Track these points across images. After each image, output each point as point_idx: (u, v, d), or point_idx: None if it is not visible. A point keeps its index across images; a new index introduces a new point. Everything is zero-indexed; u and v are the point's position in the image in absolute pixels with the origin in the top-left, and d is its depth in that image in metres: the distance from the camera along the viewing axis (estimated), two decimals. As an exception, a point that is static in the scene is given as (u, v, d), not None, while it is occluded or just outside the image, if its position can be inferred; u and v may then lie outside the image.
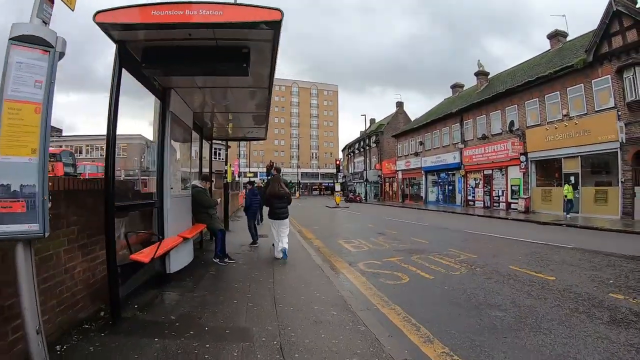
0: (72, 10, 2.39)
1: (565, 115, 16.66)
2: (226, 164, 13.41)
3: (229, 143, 13.32)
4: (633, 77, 13.49)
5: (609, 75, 14.54)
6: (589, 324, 3.53)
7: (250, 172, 50.33)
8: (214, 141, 9.76)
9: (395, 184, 37.59)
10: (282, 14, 2.95)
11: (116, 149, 3.28)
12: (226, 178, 12.86)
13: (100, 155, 36.70)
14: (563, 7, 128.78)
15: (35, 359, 2.13)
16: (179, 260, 5.14)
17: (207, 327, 3.34)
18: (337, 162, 37.75)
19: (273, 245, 6.88)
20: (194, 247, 6.29)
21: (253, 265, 6.16)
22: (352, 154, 56.15)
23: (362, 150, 49.75)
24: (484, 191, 22.93)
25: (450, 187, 27.27)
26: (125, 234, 3.75)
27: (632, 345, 3.03)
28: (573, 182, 15.50)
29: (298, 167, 75.56)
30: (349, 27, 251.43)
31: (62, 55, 2.24)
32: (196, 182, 6.63)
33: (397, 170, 35.99)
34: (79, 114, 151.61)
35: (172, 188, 4.93)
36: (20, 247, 2.09)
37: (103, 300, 3.56)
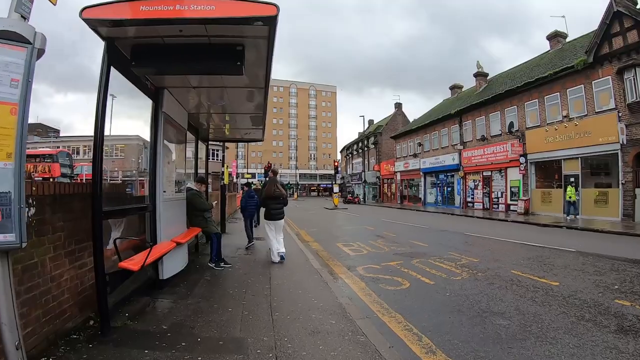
0: (54, 5, 2.25)
1: (565, 117, 16.59)
2: (223, 166, 13.28)
3: (227, 144, 13.19)
4: (634, 78, 13.42)
5: (609, 76, 14.48)
6: (596, 332, 3.40)
7: (248, 173, 50.28)
8: (210, 142, 9.62)
9: (393, 186, 37.46)
10: (278, 9, 2.81)
11: (104, 152, 3.13)
12: (223, 180, 12.73)
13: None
14: (562, 8, 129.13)
15: (13, 377, 1.99)
16: (173, 265, 5.00)
17: (200, 338, 3.20)
18: (336, 164, 37.69)
19: (270, 249, 6.80)
20: (189, 251, 6.15)
21: (249, 270, 6.03)
22: (350, 155, 56.09)
23: (360, 151, 49.66)
24: (483, 193, 22.83)
25: (449, 189, 27.15)
26: (114, 240, 3.60)
27: (643, 355, 2.90)
28: (574, 183, 15.42)
29: (296, 168, 75.54)
30: (347, 28, 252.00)
31: (41, 52, 2.10)
32: (191, 185, 6.46)
33: (396, 172, 35.83)
34: (77, 114, 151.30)
35: (164, 191, 4.77)
36: (-6, 259, 1.95)
37: (92, 309, 3.42)
